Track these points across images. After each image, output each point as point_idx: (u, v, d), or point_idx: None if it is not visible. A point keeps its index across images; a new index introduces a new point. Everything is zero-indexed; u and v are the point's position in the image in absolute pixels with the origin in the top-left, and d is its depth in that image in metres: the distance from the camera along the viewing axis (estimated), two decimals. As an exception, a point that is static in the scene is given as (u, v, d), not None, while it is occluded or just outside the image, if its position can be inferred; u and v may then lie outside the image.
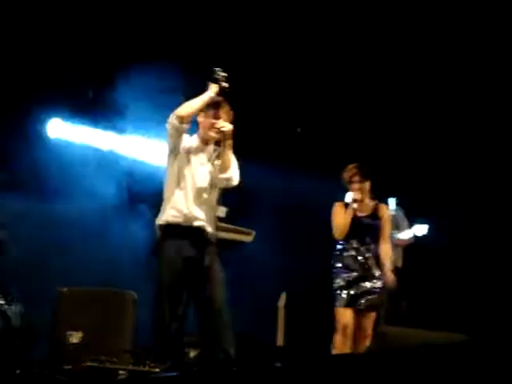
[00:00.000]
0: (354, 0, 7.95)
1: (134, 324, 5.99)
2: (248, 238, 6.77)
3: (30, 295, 6.72)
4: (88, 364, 5.02)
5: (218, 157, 5.52)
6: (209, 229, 5.47)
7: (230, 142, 5.45)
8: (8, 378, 4.88)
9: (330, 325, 6.33)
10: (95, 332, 5.81)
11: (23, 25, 7.59)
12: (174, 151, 5.49)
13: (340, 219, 6.41)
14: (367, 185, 6.49)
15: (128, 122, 8.32)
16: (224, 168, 5.47)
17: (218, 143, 5.57)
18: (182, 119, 5.36)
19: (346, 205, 6.43)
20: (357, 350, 6.07)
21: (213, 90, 5.40)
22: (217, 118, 5.48)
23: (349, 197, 6.43)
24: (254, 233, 6.81)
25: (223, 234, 6.20)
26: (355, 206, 6.40)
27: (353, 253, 6.37)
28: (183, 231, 5.41)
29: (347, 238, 6.41)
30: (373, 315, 6.27)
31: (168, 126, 5.43)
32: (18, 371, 4.99)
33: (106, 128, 8.63)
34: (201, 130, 5.58)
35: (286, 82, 8.57)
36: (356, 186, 6.42)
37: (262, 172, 8.49)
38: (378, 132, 9.09)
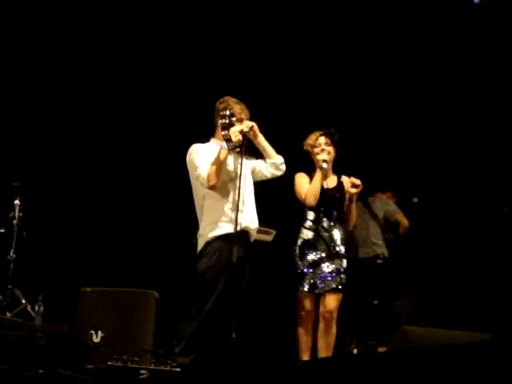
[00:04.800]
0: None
1: (155, 323, 6.00)
2: (268, 238, 6.75)
3: (53, 295, 6.76)
4: (110, 363, 5.03)
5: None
6: None
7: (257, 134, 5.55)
8: (31, 377, 4.90)
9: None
10: (117, 331, 5.83)
11: None
12: None
13: (312, 185, 5.89)
14: (332, 152, 6.01)
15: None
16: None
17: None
18: (213, 187, 5.40)
19: (309, 175, 6.01)
20: (323, 335, 5.78)
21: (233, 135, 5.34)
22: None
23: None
24: (274, 232, 6.77)
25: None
26: (325, 166, 5.91)
27: (319, 229, 5.90)
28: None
29: (313, 213, 5.95)
30: (338, 297, 5.82)
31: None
32: (40, 371, 5.01)
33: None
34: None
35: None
36: (319, 149, 5.99)
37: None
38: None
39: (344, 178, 6.09)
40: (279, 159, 5.66)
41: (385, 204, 8.44)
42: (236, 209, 5.30)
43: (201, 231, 5.50)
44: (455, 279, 8.72)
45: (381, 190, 8.53)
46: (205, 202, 5.49)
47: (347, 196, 6.03)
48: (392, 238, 8.32)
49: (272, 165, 5.65)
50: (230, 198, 5.43)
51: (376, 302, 8.01)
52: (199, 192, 5.52)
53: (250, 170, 5.65)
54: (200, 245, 5.47)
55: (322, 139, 6.01)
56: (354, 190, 5.97)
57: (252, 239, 5.57)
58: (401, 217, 8.35)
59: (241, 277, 5.38)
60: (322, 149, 5.99)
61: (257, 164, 5.69)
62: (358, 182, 5.98)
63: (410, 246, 8.18)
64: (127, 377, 4.94)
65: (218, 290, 5.30)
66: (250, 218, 5.50)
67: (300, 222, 6.04)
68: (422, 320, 7.55)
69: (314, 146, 6.03)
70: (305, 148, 6.10)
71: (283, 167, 5.69)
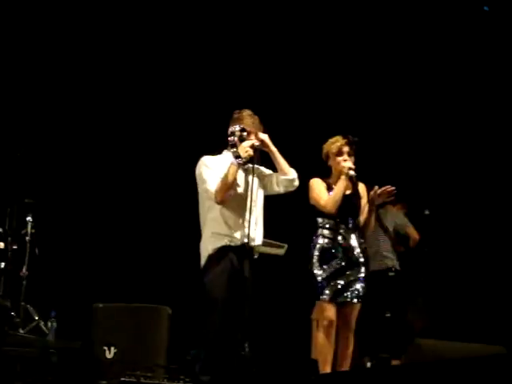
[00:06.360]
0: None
1: (168, 339, 6.00)
2: (280, 251, 6.74)
3: (65, 311, 6.78)
4: (123, 379, 5.05)
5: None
6: None
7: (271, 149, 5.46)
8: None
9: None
10: (130, 347, 5.83)
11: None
12: None
13: (335, 193, 5.65)
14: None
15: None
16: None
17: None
18: (222, 202, 5.34)
19: (326, 182, 5.77)
20: (344, 346, 5.59)
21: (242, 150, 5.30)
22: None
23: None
24: (285, 246, 6.75)
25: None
26: (353, 173, 5.65)
27: (337, 237, 5.65)
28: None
29: (329, 220, 5.70)
30: (357, 307, 5.64)
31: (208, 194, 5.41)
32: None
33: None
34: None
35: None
36: (342, 158, 5.71)
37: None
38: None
39: (360, 185, 5.84)
40: (292, 174, 5.51)
41: (394, 217, 8.42)
42: (242, 224, 5.30)
43: (202, 244, 5.42)
44: (468, 291, 8.69)
45: (391, 201, 8.50)
46: (208, 214, 5.42)
47: (364, 201, 5.80)
48: (402, 251, 8.30)
49: (285, 180, 5.52)
50: (236, 212, 5.35)
51: (388, 315, 7.98)
52: (205, 204, 5.45)
53: (262, 185, 5.57)
54: (203, 259, 5.37)
55: (347, 148, 5.77)
56: (383, 198, 5.77)
57: (256, 255, 5.48)
58: (410, 230, 8.32)
59: (245, 292, 5.34)
60: (345, 159, 5.73)
61: (269, 178, 5.58)
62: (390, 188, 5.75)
63: (422, 258, 8.15)
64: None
65: (226, 306, 5.23)
66: (251, 235, 5.35)
67: (312, 230, 5.83)
68: (435, 333, 7.53)
69: (338, 154, 5.79)
70: (326, 152, 5.86)
71: (296, 183, 5.53)
